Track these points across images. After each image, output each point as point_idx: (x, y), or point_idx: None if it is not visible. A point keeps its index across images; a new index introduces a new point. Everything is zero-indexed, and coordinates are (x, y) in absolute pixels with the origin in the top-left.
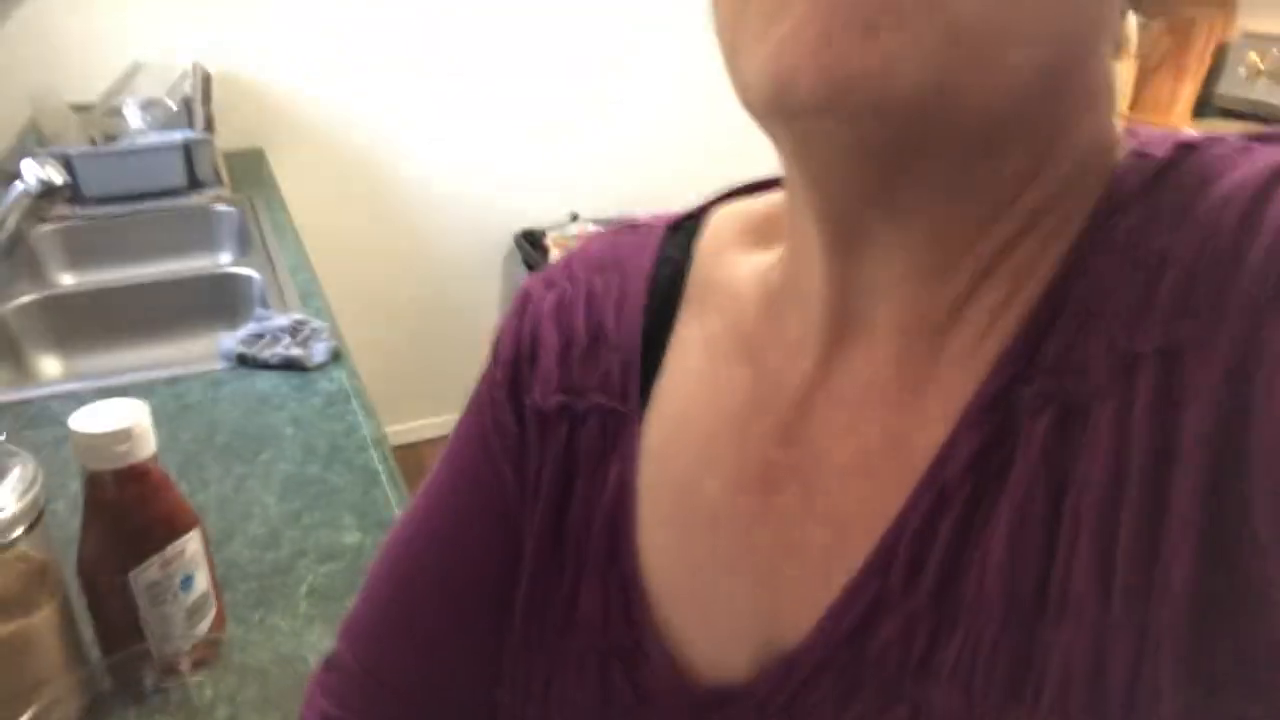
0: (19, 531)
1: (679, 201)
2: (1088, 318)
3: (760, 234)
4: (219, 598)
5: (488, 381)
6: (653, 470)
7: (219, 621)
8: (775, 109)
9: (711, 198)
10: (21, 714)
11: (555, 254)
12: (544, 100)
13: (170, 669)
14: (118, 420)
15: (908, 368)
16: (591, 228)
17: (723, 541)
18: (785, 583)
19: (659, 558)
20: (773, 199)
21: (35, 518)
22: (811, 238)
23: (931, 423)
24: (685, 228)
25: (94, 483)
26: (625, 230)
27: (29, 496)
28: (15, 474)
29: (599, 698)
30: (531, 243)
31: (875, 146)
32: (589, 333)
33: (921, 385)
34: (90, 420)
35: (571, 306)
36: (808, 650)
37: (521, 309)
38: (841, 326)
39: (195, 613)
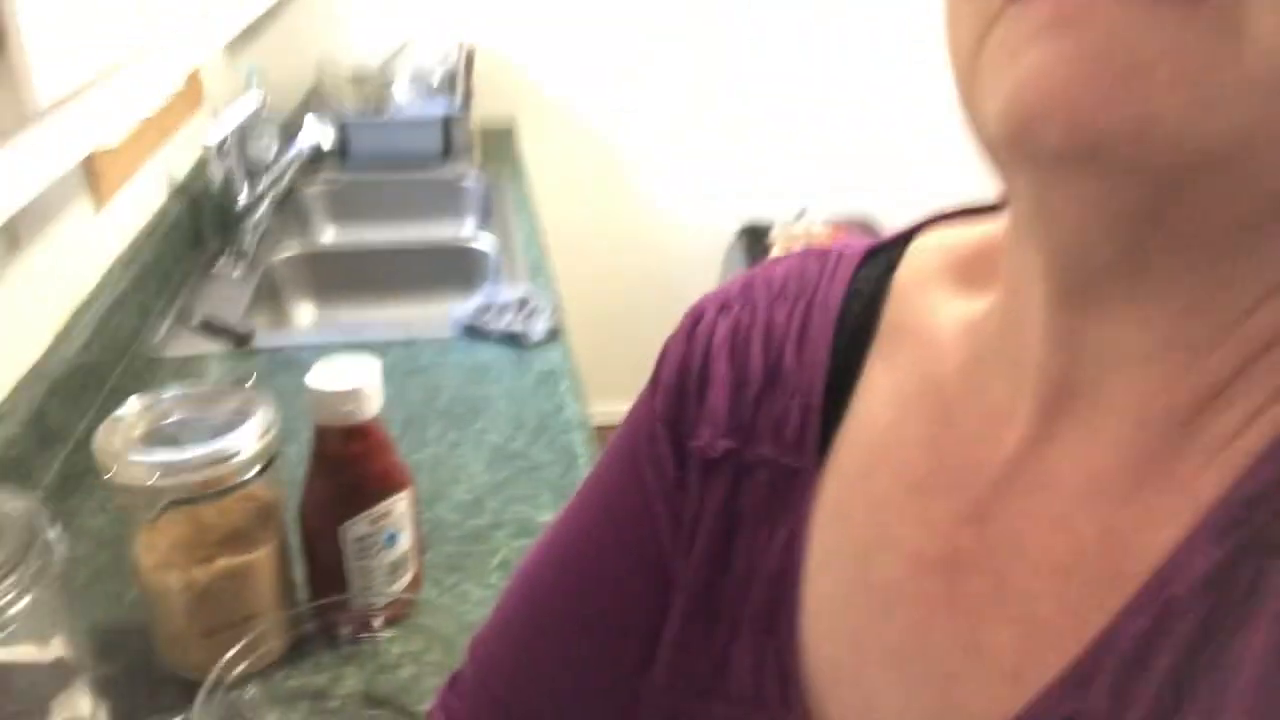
0: (253, 472)
1: (910, 209)
2: None
3: (969, 272)
4: (419, 558)
5: (647, 407)
6: (825, 536)
7: (417, 581)
8: (1013, 153)
9: (915, 223)
10: (235, 642)
11: (778, 250)
12: (781, 96)
13: (365, 622)
14: (348, 380)
15: (1141, 457)
16: (819, 226)
17: (896, 627)
18: (961, 683)
19: (822, 635)
20: (989, 231)
21: (268, 461)
22: (1035, 291)
23: (1160, 523)
24: (882, 257)
25: (321, 436)
26: (814, 255)
27: (265, 441)
28: (255, 419)
29: None
30: (755, 237)
31: (1130, 205)
32: (765, 371)
33: (1155, 479)
34: (324, 377)
35: (747, 338)
36: None
37: (691, 331)
38: (1061, 399)
39: (395, 570)
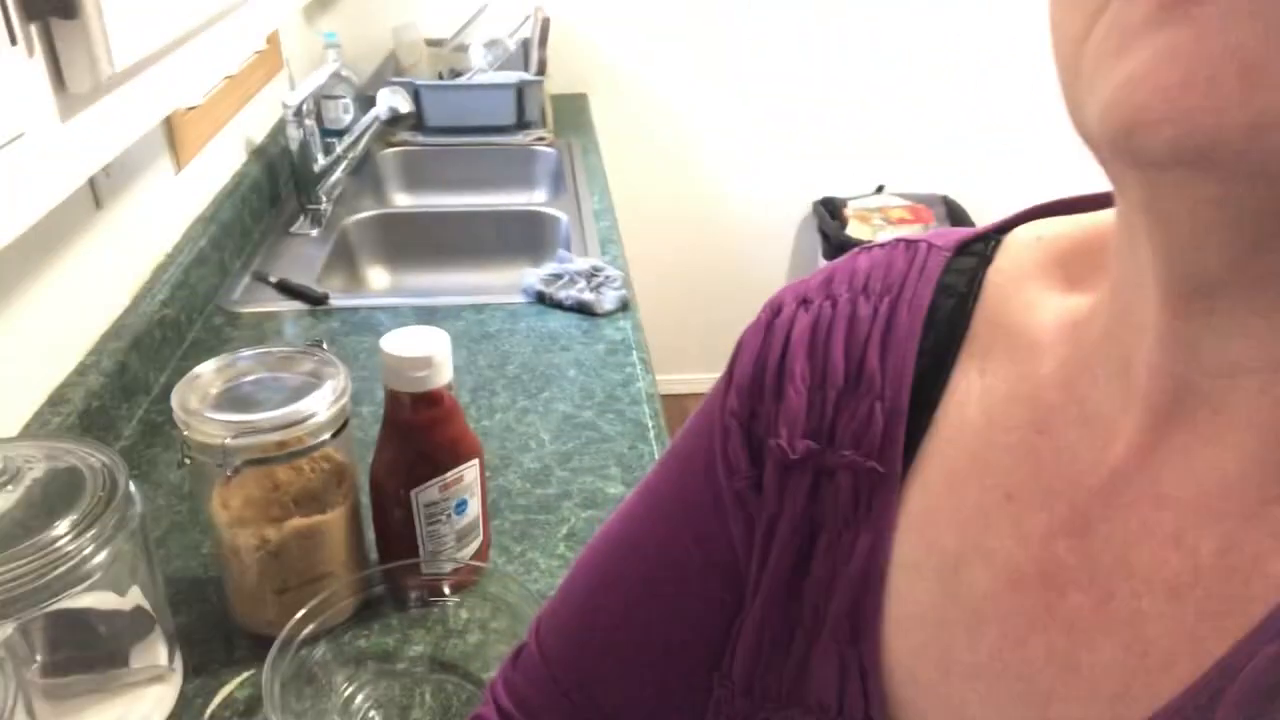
0: (326, 436)
1: (989, 190)
2: None
3: (1071, 270)
4: (486, 526)
5: (720, 400)
6: (910, 547)
7: (485, 548)
8: (1120, 153)
9: (1012, 216)
10: (306, 601)
11: (854, 225)
12: (861, 71)
13: (434, 587)
14: (421, 348)
15: (1267, 470)
16: (898, 201)
17: (987, 644)
18: (1058, 705)
19: (907, 648)
20: (1093, 223)
21: (341, 425)
22: (1147, 292)
23: None
24: (976, 250)
25: (393, 401)
26: (901, 247)
27: (338, 406)
28: (330, 384)
29: None
30: (830, 211)
31: (1249, 208)
32: (848, 371)
33: None
34: (398, 343)
35: (828, 335)
36: None
37: (769, 324)
38: (1175, 407)
39: (464, 536)
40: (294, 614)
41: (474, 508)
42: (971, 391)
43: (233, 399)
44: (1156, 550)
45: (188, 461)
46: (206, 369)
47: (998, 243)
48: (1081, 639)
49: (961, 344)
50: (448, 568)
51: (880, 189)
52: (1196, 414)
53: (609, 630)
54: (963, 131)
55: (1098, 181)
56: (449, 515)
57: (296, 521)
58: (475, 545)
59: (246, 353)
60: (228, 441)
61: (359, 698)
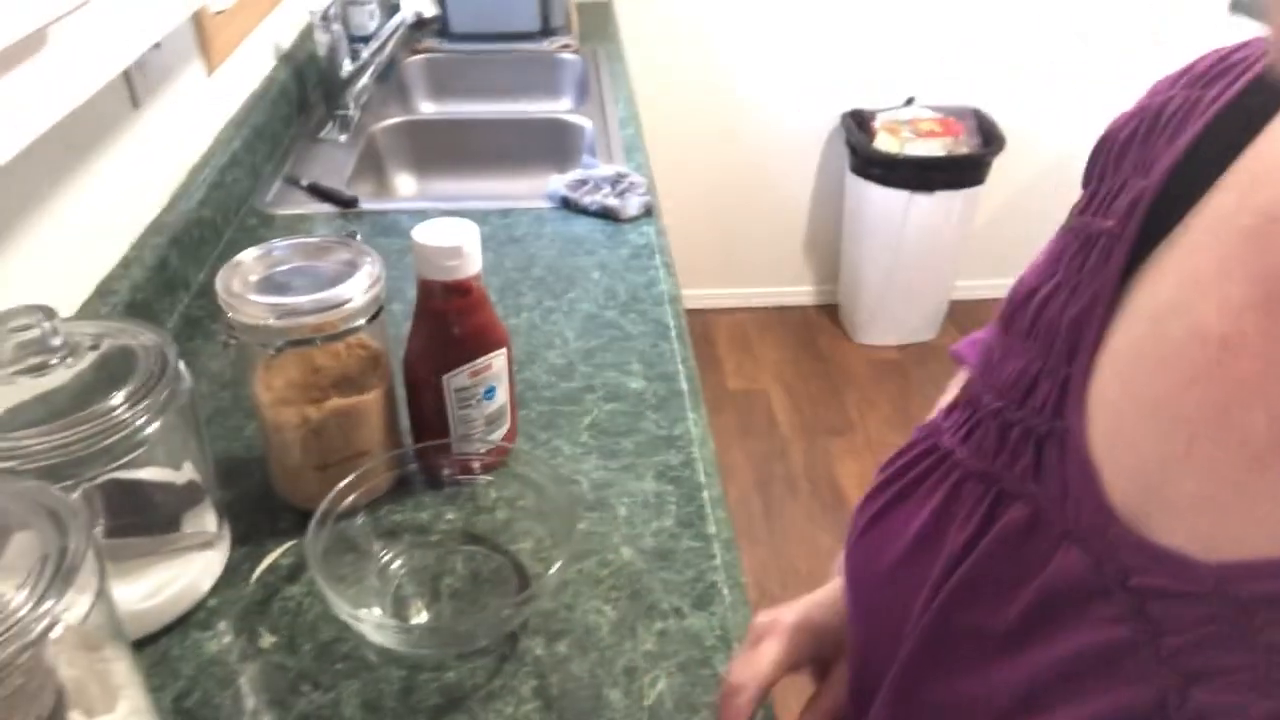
0: (362, 321)
1: (1021, 104)
2: None
3: None
4: (514, 413)
5: None
6: (1140, 294)
7: (511, 434)
8: None
9: None
10: (345, 476)
11: (882, 137)
12: None
13: (465, 467)
14: (452, 238)
15: None
16: (928, 114)
17: (1163, 383)
18: (1201, 446)
19: (1105, 377)
20: None
21: (375, 311)
22: None
23: None
24: None
25: (425, 290)
26: (1253, 44)
27: (373, 292)
28: (364, 271)
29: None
30: (858, 123)
31: None
32: (1128, 144)
33: None
34: (429, 234)
35: (1150, 113)
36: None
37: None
38: None
39: (493, 421)
40: (333, 489)
41: (502, 395)
42: (1242, 175)
43: (273, 284)
44: None
45: (232, 342)
46: (248, 256)
47: None
48: (1238, 397)
49: (1242, 151)
50: (479, 449)
51: (910, 101)
52: None
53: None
54: (993, 43)
55: (1125, 93)
56: (478, 400)
57: (335, 401)
58: (503, 430)
59: (284, 242)
60: (270, 322)
61: (395, 564)
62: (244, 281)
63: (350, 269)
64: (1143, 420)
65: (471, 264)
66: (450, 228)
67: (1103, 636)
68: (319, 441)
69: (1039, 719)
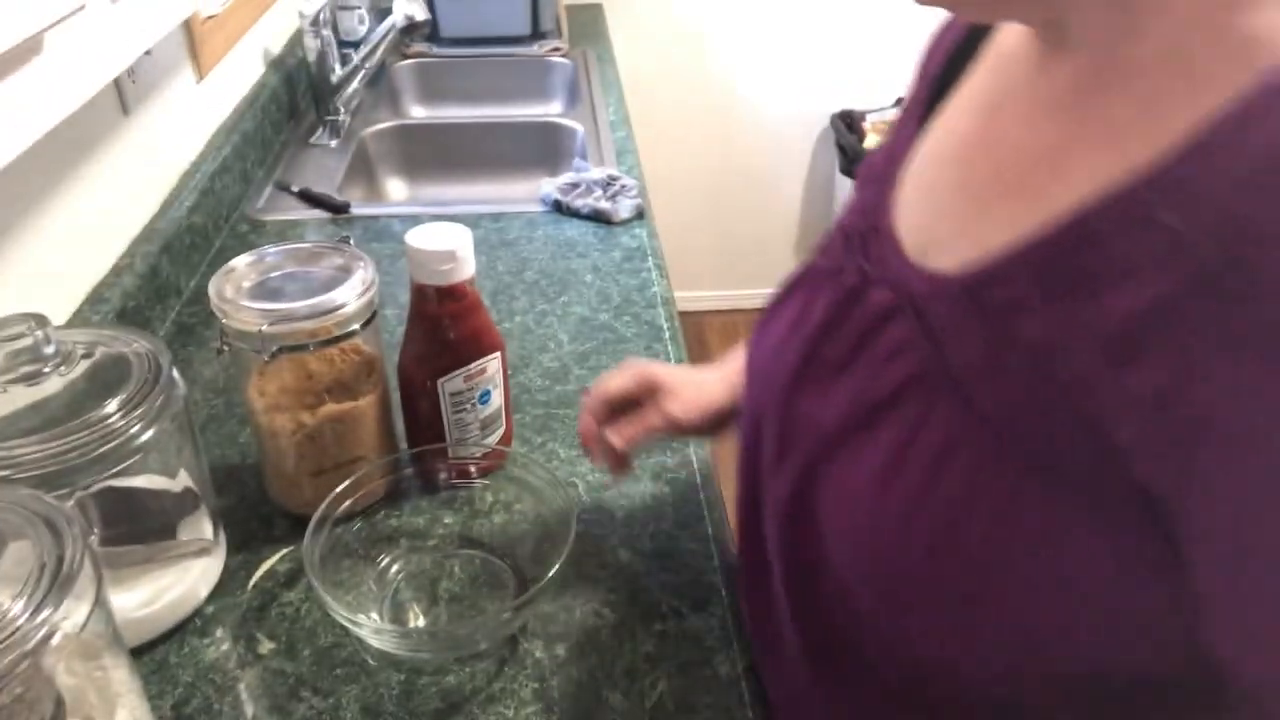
0: (356, 326)
1: None
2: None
3: None
4: (509, 416)
5: None
6: (940, 127)
7: (507, 437)
8: None
9: None
10: (343, 480)
11: (872, 138)
12: None
13: (461, 471)
14: (445, 242)
15: (1088, 83)
16: None
17: (931, 167)
18: (945, 218)
19: (908, 178)
20: None
21: (370, 316)
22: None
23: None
24: None
25: (419, 294)
26: None
27: (366, 297)
28: (358, 276)
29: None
30: (848, 124)
31: None
32: (930, 54)
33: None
34: (423, 238)
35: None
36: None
37: None
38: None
39: (488, 425)
40: (329, 495)
41: (496, 398)
42: (990, 49)
43: (266, 290)
44: (1013, 130)
45: (226, 349)
46: (240, 262)
47: None
48: (969, 161)
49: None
50: (475, 453)
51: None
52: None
53: None
54: None
55: None
56: (473, 404)
57: (330, 407)
58: (498, 433)
59: (277, 248)
60: (264, 328)
61: (392, 569)
62: (237, 288)
63: (343, 274)
64: (921, 196)
65: (465, 268)
66: (444, 232)
67: (900, 369)
68: (313, 447)
69: (863, 433)
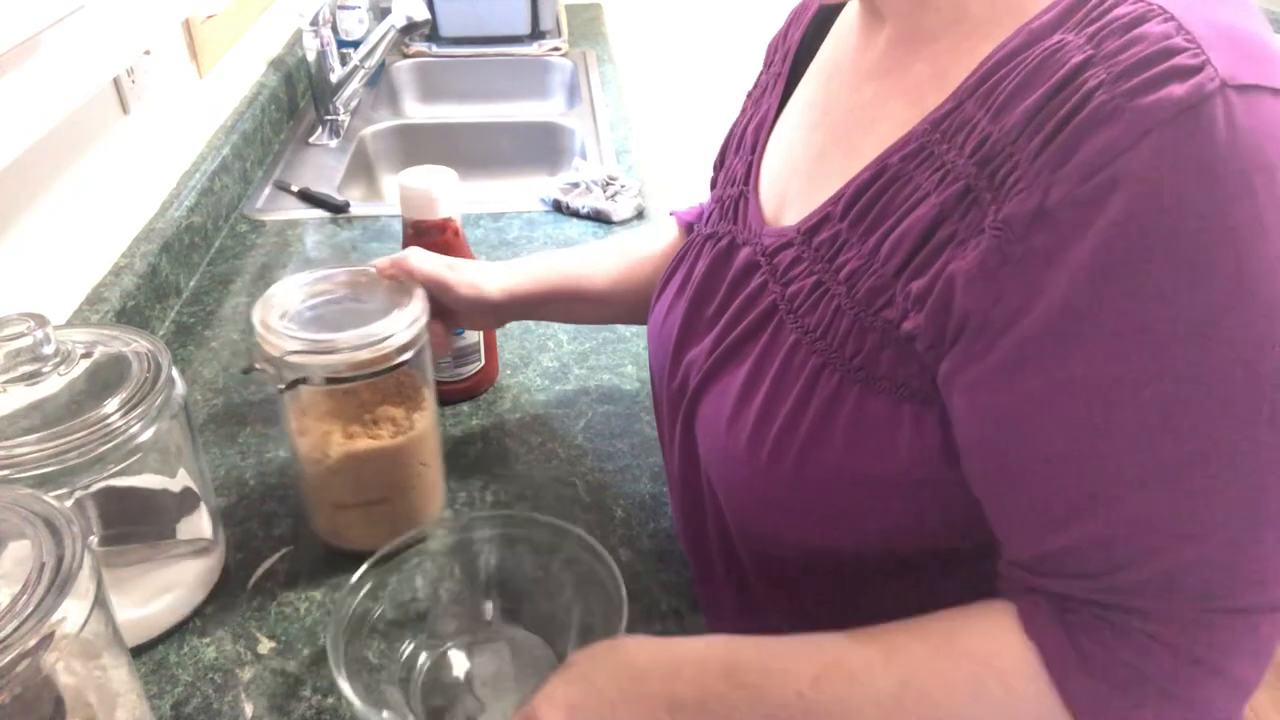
0: (403, 358)
1: None
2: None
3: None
4: (493, 354)
5: None
6: (797, 101)
7: (490, 374)
8: None
9: None
10: (375, 515)
11: None
12: None
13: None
14: (427, 181)
15: (902, 44)
16: None
17: (789, 134)
18: (801, 164)
19: (770, 149)
20: None
21: (417, 349)
22: None
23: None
24: None
25: (406, 232)
26: None
27: (414, 329)
28: (408, 308)
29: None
30: None
31: None
32: (785, 35)
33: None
34: (410, 178)
35: (790, 18)
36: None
37: None
38: (875, 20)
39: (461, 357)
40: (365, 526)
41: (473, 336)
42: (835, 29)
43: (307, 318)
44: (843, 94)
45: (256, 370)
46: (283, 288)
47: None
48: (812, 127)
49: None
50: (451, 377)
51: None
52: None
53: None
54: None
55: None
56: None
57: (366, 442)
58: (475, 367)
59: (320, 273)
60: (302, 360)
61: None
62: (279, 315)
63: (392, 304)
64: (779, 161)
65: (446, 204)
66: (428, 172)
67: (757, 309)
68: (347, 479)
69: (730, 365)
